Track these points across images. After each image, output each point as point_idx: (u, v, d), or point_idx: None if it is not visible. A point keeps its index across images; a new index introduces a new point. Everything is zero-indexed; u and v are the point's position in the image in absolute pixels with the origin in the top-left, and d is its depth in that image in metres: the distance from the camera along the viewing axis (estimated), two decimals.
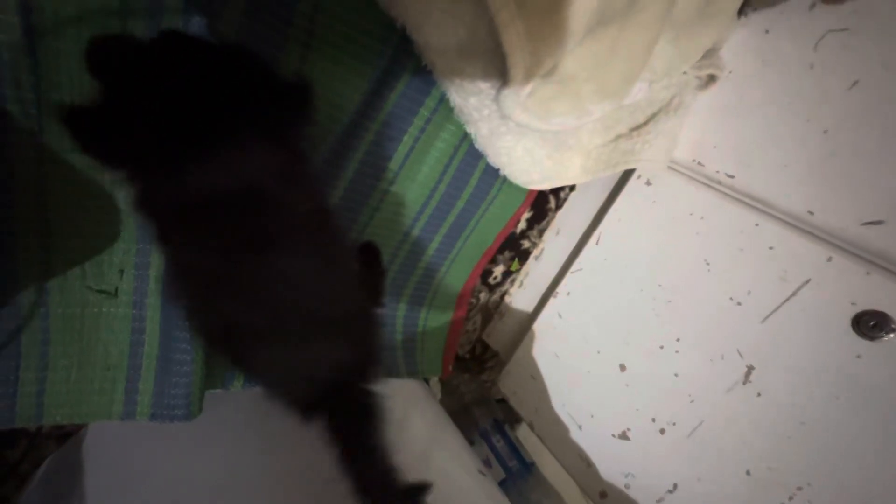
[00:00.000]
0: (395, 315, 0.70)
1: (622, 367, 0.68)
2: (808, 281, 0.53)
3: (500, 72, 0.43)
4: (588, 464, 0.71)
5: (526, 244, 0.86)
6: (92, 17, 0.34)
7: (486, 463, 0.81)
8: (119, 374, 0.43)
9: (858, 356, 0.50)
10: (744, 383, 0.57)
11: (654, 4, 0.44)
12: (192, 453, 0.46)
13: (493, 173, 0.64)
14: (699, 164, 0.64)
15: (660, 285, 0.66)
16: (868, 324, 0.49)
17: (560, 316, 0.77)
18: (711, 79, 0.61)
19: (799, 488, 0.53)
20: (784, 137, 0.57)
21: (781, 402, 0.54)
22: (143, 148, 0.31)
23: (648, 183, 0.68)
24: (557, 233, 0.85)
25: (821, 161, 0.54)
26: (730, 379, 0.58)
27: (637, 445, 0.66)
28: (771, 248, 0.56)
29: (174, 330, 0.43)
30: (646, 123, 0.63)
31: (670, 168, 0.66)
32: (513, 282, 0.90)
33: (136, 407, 0.44)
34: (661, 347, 0.64)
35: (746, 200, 0.59)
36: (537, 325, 0.80)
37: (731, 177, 0.61)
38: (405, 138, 0.54)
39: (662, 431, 0.64)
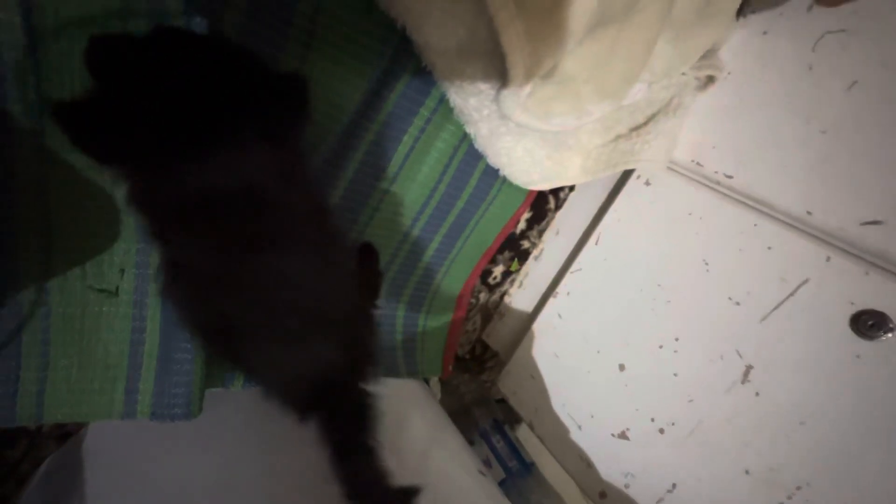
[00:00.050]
0: (395, 315, 0.70)
1: (622, 367, 0.69)
2: (806, 281, 0.54)
3: (499, 72, 0.43)
4: (588, 464, 0.71)
5: (526, 244, 0.86)
6: (93, 18, 0.34)
7: (486, 463, 0.81)
8: (119, 374, 0.43)
9: (857, 356, 0.50)
10: (742, 383, 0.57)
11: (653, 5, 0.44)
12: (193, 453, 0.46)
13: (492, 173, 0.64)
14: (698, 164, 0.64)
15: (659, 285, 0.66)
16: (866, 323, 0.49)
17: (560, 316, 0.78)
18: (710, 79, 0.61)
19: (798, 488, 0.53)
20: (783, 138, 0.57)
21: (780, 401, 0.54)
22: (136, 144, 0.30)
23: (648, 183, 0.69)
24: (557, 233, 0.85)
25: (819, 161, 0.54)
26: (729, 379, 0.58)
27: (636, 445, 0.66)
28: (770, 248, 0.56)
29: (174, 329, 0.43)
30: (645, 124, 0.64)
31: (669, 168, 0.67)
32: (512, 282, 0.90)
33: (137, 406, 0.44)
34: (661, 347, 0.64)
35: (745, 201, 0.59)
36: (537, 326, 0.80)
37: (730, 177, 0.61)
38: (405, 138, 0.55)
39: (662, 431, 0.64)
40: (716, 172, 0.62)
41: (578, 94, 0.49)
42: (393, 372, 0.70)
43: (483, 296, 0.88)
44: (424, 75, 0.49)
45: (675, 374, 0.63)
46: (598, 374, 0.71)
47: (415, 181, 0.60)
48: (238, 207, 0.33)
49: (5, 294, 0.38)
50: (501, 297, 0.91)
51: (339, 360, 0.39)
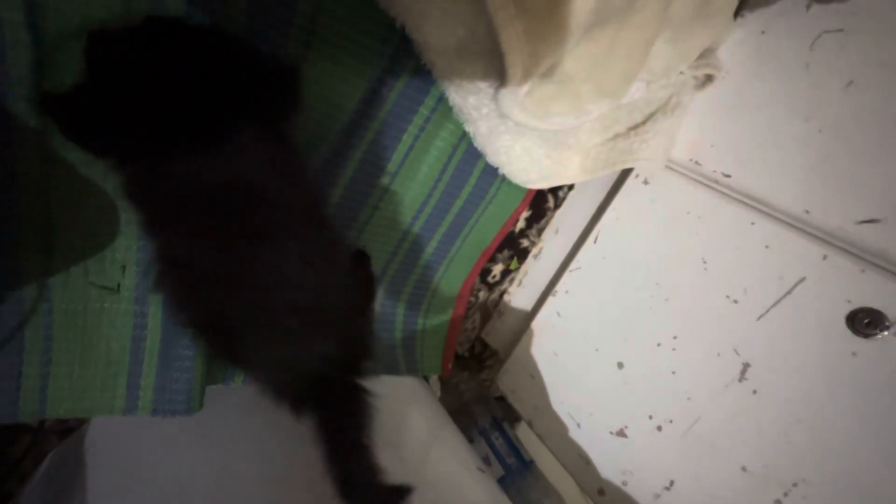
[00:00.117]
0: (395, 313, 0.70)
1: (620, 365, 0.69)
2: (803, 279, 0.54)
3: (498, 71, 0.44)
4: (586, 461, 0.71)
5: (525, 243, 0.87)
6: (94, 17, 0.34)
7: (486, 461, 0.81)
8: (121, 369, 0.44)
9: (853, 353, 0.50)
10: (740, 381, 0.57)
11: (651, 5, 0.45)
12: (193, 448, 0.46)
13: (491, 172, 0.64)
14: (696, 163, 0.64)
15: (657, 284, 0.66)
16: (863, 321, 0.50)
17: (559, 314, 0.78)
18: (709, 78, 0.62)
19: (794, 484, 0.53)
20: (781, 137, 0.57)
21: (777, 399, 0.55)
22: (124, 134, 0.30)
23: (646, 182, 0.69)
24: (556, 232, 0.86)
25: (817, 160, 0.55)
26: (726, 376, 0.59)
27: (635, 443, 0.67)
28: (767, 246, 0.57)
29: (175, 325, 0.43)
30: (644, 123, 0.64)
31: (668, 167, 0.67)
32: (512, 280, 0.90)
33: (138, 402, 0.44)
34: (659, 345, 0.65)
35: (743, 199, 0.60)
36: (536, 324, 0.80)
37: (728, 176, 0.61)
38: (405, 137, 0.55)
39: (659, 429, 0.64)
40: (714, 171, 0.63)
41: (577, 93, 0.49)
42: (393, 370, 0.70)
43: (482, 294, 0.88)
44: (424, 74, 0.49)
45: (674, 372, 0.63)
46: (597, 372, 0.71)
47: (414, 180, 0.60)
48: (230, 199, 0.33)
49: (7, 291, 0.39)
50: (501, 295, 0.92)
51: (334, 355, 0.38)
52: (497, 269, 0.87)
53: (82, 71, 0.31)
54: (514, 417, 0.89)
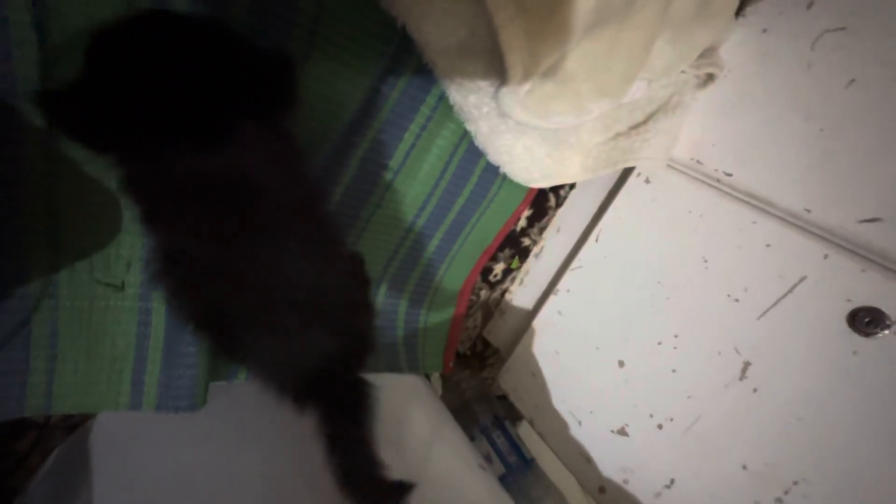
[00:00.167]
0: (397, 311, 0.71)
1: (621, 364, 0.69)
2: (804, 278, 0.54)
3: (499, 70, 0.44)
4: (587, 459, 0.71)
5: (526, 242, 0.87)
6: (98, 17, 0.34)
7: (487, 458, 0.82)
8: (126, 366, 0.44)
9: (854, 352, 0.50)
10: (740, 379, 0.58)
11: (651, 5, 0.45)
12: (197, 444, 0.47)
13: (493, 171, 0.65)
14: (698, 162, 0.64)
15: (658, 282, 0.66)
16: (863, 320, 0.50)
17: (560, 313, 0.78)
18: (710, 78, 0.62)
19: (795, 483, 0.53)
20: (782, 136, 0.57)
21: (778, 397, 0.55)
22: (120, 128, 0.30)
23: (648, 181, 0.69)
24: (558, 230, 0.86)
25: (818, 159, 0.55)
26: (727, 375, 0.59)
27: (635, 441, 0.67)
28: (768, 245, 0.57)
29: (179, 322, 0.44)
30: (645, 122, 0.64)
31: (669, 166, 0.67)
32: (513, 279, 0.90)
33: (143, 398, 0.45)
34: (660, 344, 0.65)
35: (744, 198, 0.60)
36: (537, 323, 0.81)
37: (730, 175, 0.61)
38: (406, 136, 0.55)
39: (660, 427, 0.64)
40: (715, 170, 0.63)
41: (578, 92, 0.49)
42: (394, 367, 0.70)
43: (484, 293, 0.88)
44: (425, 74, 0.49)
45: (674, 371, 0.63)
46: (598, 370, 0.71)
47: (416, 178, 0.61)
48: (228, 195, 0.33)
49: (13, 288, 0.39)
50: (502, 294, 0.92)
51: (335, 351, 0.38)
52: (499, 267, 0.87)
53: (80, 67, 0.31)
54: (516, 416, 0.89)
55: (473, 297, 0.86)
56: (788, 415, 0.54)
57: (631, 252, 0.70)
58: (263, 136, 0.34)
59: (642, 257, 0.68)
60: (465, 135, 0.58)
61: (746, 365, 0.57)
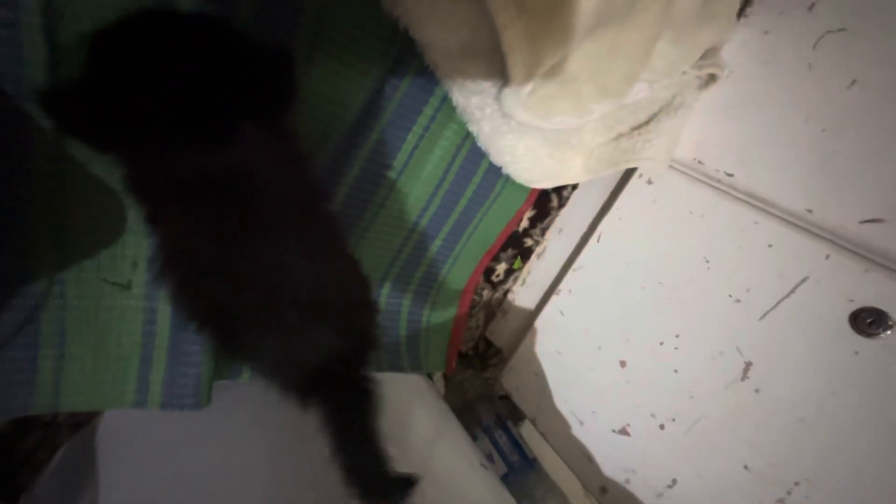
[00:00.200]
0: (400, 311, 0.71)
1: (623, 364, 0.69)
2: (806, 278, 0.54)
3: (501, 71, 0.44)
4: (589, 459, 0.72)
5: (529, 242, 0.87)
6: (106, 20, 0.35)
7: (489, 458, 0.82)
8: (131, 364, 0.45)
9: (856, 353, 0.50)
10: (742, 379, 0.58)
11: (652, 6, 0.45)
12: (202, 442, 0.47)
13: (495, 172, 0.65)
14: (700, 162, 0.65)
15: (660, 283, 0.66)
16: (865, 321, 0.50)
17: (562, 313, 0.78)
18: (712, 78, 0.62)
19: (796, 483, 0.53)
20: (784, 136, 0.57)
21: (780, 398, 0.55)
22: (121, 126, 0.30)
23: (650, 182, 0.69)
24: (560, 231, 0.86)
25: (820, 160, 0.55)
26: (729, 375, 0.59)
27: (637, 441, 0.67)
28: (770, 245, 0.57)
29: (183, 321, 0.44)
30: (647, 122, 0.64)
31: (671, 167, 0.67)
32: (515, 279, 0.91)
33: (148, 396, 0.45)
34: (661, 344, 0.65)
35: (746, 199, 0.60)
36: (539, 323, 0.81)
37: (731, 175, 0.61)
38: (409, 137, 0.56)
39: (662, 427, 0.64)
40: (717, 171, 0.63)
41: (580, 93, 0.50)
42: (397, 367, 0.71)
43: (486, 293, 0.88)
44: (428, 74, 0.49)
45: (676, 371, 0.64)
46: (600, 370, 0.72)
47: (419, 179, 0.61)
48: (228, 190, 0.33)
49: (21, 287, 0.40)
50: (504, 294, 0.92)
51: (337, 345, 0.38)
52: (501, 267, 0.87)
53: (82, 66, 0.31)
54: (518, 416, 0.89)
55: (476, 297, 0.86)
56: (790, 415, 0.54)
57: (633, 252, 0.70)
58: (264, 135, 0.34)
59: (644, 258, 0.69)
60: (468, 135, 0.59)
61: (748, 365, 0.57)
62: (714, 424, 0.60)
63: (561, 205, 0.85)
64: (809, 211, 0.55)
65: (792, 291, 0.55)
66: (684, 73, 0.60)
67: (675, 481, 0.63)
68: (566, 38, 0.39)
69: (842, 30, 0.54)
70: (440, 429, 0.67)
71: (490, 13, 0.37)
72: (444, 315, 0.77)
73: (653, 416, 0.65)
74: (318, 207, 0.40)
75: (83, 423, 0.56)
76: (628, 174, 0.72)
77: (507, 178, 0.67)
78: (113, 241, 0.42)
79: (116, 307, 0.43)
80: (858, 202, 0.52)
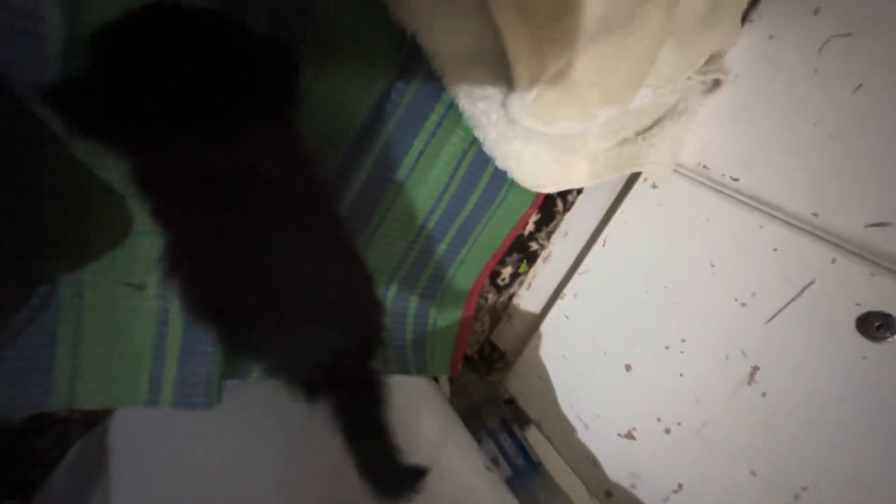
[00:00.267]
0: (406, 313, 0.72)
1: (628, 368, 0.69)
2: (812, 282, 0.54)
3: (507, 78, 0.45)
4: (594, 463, 0.72)
5: (534, 246, 0.88)
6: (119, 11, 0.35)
7: (494, 461, 0.82)
8: (145, 364, 0.46)
9: (863, 357, 0.50)
10: (749, 384, 0.57)
11: (655, 13, 0.46)
12: (212, 441, 0.48)
13: (501, 176, 0.66)
14: (704, 167, 0.65)
15: (665, 287, 0.66)
16: (873, 325, 0.49)
17: (567, 317, 0.79)
18: (716, 84, 0.62)
19: (804, 488, 0.53)
20: (789, 141, 0.58)
21: (786, 402, 0.55)
22: (126, 121, 0.31)
23: (654, 186, 0.69)
24: (565, 235, 0.86)
25: (825, 164, 0.55)
26: (735, 379, 0.59)
27: (643, 445, 0.67)
28: (775, 249, 0.57)
29: (191, 317, 0.45)
30: (651, 127, 0.65)
31: (676, 171, 0.67)
32: (521, 283, 0.91)
33: (160, 394, 0.46)
34: (667, 348, 0.65)
35: (751, 203, 0.60)
36: (545, 327, 0.81)
37: (736, 180, 0.62)
38: (416, 142, 0.57)
39: (668, 431, 0.64)
40: (722, 175, 0.63)
41: (584, 98, 0.50)
42: (403, 370, 0.71)
43: (492, 297, 0.89)
44: (434, 81, 0.50)
45: (682, 375, 0.64)
46: (605, 374, 0.72)
47: (425, 184, 0.62)
48: (232, 184, 0.33)
49: (40, 287, 0.41)
50: (510, 298, 0.92)
51: (343, 341, 0.38)
52: (506, 271, 0.88)
53: (87, 62, 0.32)
54: (524, 420, 0.90)
55: (482, 301, 0.87)
56: (797, 420, 0.54)
57: (638, 256, 0.70)
58: (268, 131, 0.34)
59: (649, 262, 0.69)
60: (474, 141, 0.60)
61: (755, 369, 0.57)
62: (720, 429, 0.60)
63: (566, 209, 0.86)
64: (815, 215, 0.55)
65: (798, 295, 0.55)
66: (689, 78, 0.60)
67: (680, 486, 0.62)
68: (570, 44, 0.40)
69: (847, 34, 0.54)
70: (445, 431, 0.67)
71: (495, 21, 0.37)
72: (449, 318, 0.77)
73: (658, 420, 0.65)
74: (323, 202, 0.40)
75: (96, 421, 0.57)
76: (633, 178, 0.73)
77: (512, 183, 0.67)
78: (128, 242, 0.43)
79: (131, 308, 0.44)
80: (864, 206, 0.52)
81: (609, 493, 0.69)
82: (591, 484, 0.72)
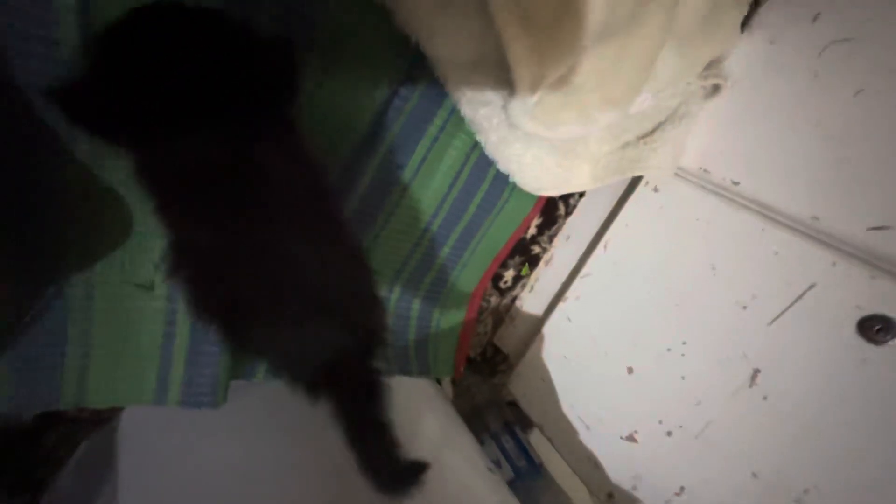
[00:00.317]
0: (409, 315, 0.72)
1: (630, 370, 0.69)
2: (813, 285, 0.54)
3: (508, 83, 0.46)
4: (596, 465, 0.72)
5: (536, 249, 0.88)
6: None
7: (496, 463, 0.82)
8: (152, 363, 0.47)
9: (864, 360, 0.50)
10: (750, 386, 0.58)
11: (655, 18, 0.47)
12: (218, 440, 0.49)
13: (503, 180, 0.66)
14: (705, 171, 0.65)
15: (667, 289, 0.67)
16: (873, 328, 0.50)
17: (569, 319, 0.79)
18: (717, 88, 0.63)
19: (805, 491, 0.53)
20: (790, 145, 0.58)
21: (787, 405, 0.55)
22: (129, 118, 0.31)
23: (656, 189, 0.70)
24: (567, 238, 0.87)
25: (826, 167, 0.55)
26: (736, 382, 0.59)
27: (644, 447, 0.67)
28: (776, 252, 0.57)
29: (192, 315, 0.45)
30: (653, 131, 0.65)
31: (677, 175, 0.68)
32: (523, 286, 0.92)
33: (167, 394, 0.47)
34: (668, 350, 0.65)
35: (752, 206, 0.60)
36: (547, 329, 0.81)
37: (737, 183, 0.62)
38: (419, 147, 0.57)
39: (669, 434, 0.64)
40: (723, 179, 0.63)
41: (585, 103, 0.51)
42: (406, 371, 0.72)
43: (494, 299, 0.89)
44: (437, 86, 0.51)
45: (683, 378, 0.64)
46: (607, 376, 0.72)
47: (428, 187, 0.63)
48: (234, 181, 0.33)
49: (48, 287, 0.42)
50: (512, 300, 0.93)
51: (344, 338, 0.39)
52: (509, 274, 0.88)
53: (88, 61, 0.32)
54: (527, 422, 0.90)
55: (484, 304, 0.87)
56: (798, 422, 0.54)
57: (639, 259, 0.71)
58: (270, 127, 0.35)
59: (651, 265, 0.69)
60: (476, 145, 0.60)
61: (756, 372, 0.58)
62: (722, 431, 0.60)
63: (568, 212, 0.86)
64: (816, 218, 0.55)
65: (799, 298, 0.55)
66: (689, 83, 0.61)
67: (682, 489, 0.63)
68: (570, 51, 0.41)
69: (847, 39, 0.54)
70: (447, 432, 0.68)
71: (497, 28, 0.38)
72: (452, 320, 0.78)
73: (660, 422, 0.65)
74: (324, 201, 0.40)
75: (105, 420, 0.58)
76: (635, 182, 0.73)
77: (514, 186, 0.68)
78: (136, 243, 0.44)
79: (139, 308, 0.45)
80: (865, 209, 0.52)
81: (611, 496, 0.70)
82: (593, 486, 0.72)
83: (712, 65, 0.61)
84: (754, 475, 0.57)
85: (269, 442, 0.49)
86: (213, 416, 0.49)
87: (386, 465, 0.39)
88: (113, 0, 0.33)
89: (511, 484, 0.77)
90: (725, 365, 0.60)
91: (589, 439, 0.73)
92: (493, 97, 0.49)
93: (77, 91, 0.32)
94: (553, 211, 0.85)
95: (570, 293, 0.79)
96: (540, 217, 0.83)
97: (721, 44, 0.58)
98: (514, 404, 0.90)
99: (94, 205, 0.41)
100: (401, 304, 0.71)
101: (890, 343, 0.49)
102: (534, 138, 0.57)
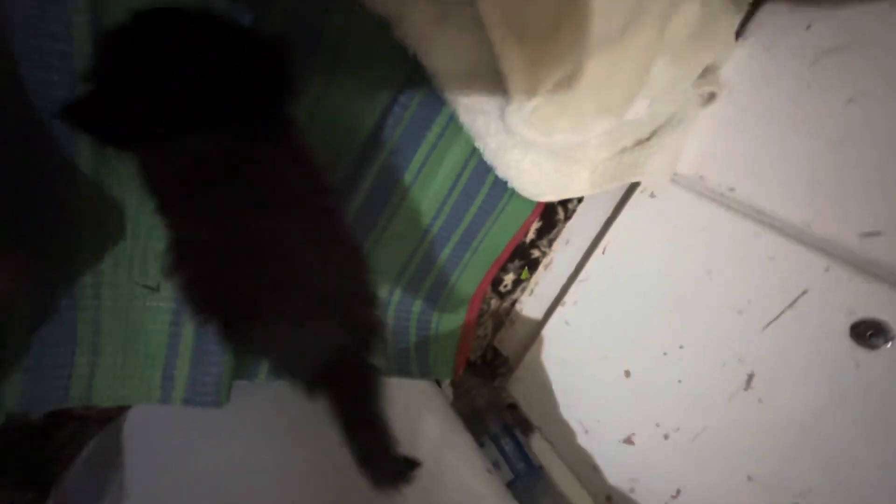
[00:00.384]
0: (409, 318, 0.74)
1: (627, 374, 0.70)
2: (806, 290, 0.55)
3: (504, 91, 0.47)
4: (594, 468, 0.72)
5: (536, 253, 0.89)
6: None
7: (495, 465, 0.83)
8: (158, 362, 0.48)
9: (857, 364, 0.51)
10: (745, 390, 0.58)
11: (649, 27, 0.48)
12: (221, 438, 0.50)
13: (501, 185, 0.67)
14: (701, 177, 0.66)
15: (664, 294, 0.67)
16: (866, 333, 0.50)
17: (568, 323, 0.80)
18: (712, 95, 0.64)
19: (801, 494, 0.53)
20: (784, 151, 0.59)
21: (782, 408, 0.55)
22: (135, 121, 0.32)
23: (652, 195, 0.71)
24: (566, 243, 0.88)
25: (819, 174, 0.56)
26: (732, 385, 0.59)
27: (642, 450, 0.68)
28: (771, 258, 0.58)
29: (189, 312, 0.46)
30: (649, 138, 0.66)
31: (673, 181, 0.69)
32: (523, 290, 0.93)
33: (172, 392, 0.49)
34: (665, 354, 0.66)
35: (747, 212, 0.61)
36: (546, 332, 0.82)
37: (732, 189, 0.63)
38: (418, 154, 0.59)
39: (666, 437, 0.65)
40: (718, 185, 0.64)
41: (580, 111, 0.52)
42: (406, 373, 0.73)
43: (494, 302, 0.90)
44: (436, 95, 0.53)
45: (680, 381, 0.64)
46: (605, 380, 0.73)
47: (428, 192, 0.64)
48: (234, 179, 0.34)
49: (64, 287, 0.43)
50: (512, 304, 0.94)
51: (342, 335, 0.39)
52: (508, 278, 0.89)
53: (90, 74, 0.33)
54: (527, 425, 0.91)
55: (484, 307, 0.88)
56: (793, 426, 0.54)
57: (637, 264, 0.71)
58: (269, 127, 0.35)
59: (648, 269, 0.70)
60: (475, 151, 0.62)
61: (751, 376, 0.58)
62: (718, 434, 0.60)
63: (567, 217, 0.87)
64: (809, 224, 0.56)
65: (793, 303, 0.56)
66: (685, 90, 0.62)
67: (679, 491, 0.63)
68: (563, 61, 0.42)
69: (839, 48, 0.55)
70: (447, 434, 0.69)
71: (491, 41, 0.40)
72: (452, 322, 0.79)
73: (657, 425, 0.66)
74: (322, 197, 0.40)
75: (112, 418, 0.59)
76: (632, 188, 0.74)
77: (513, 191, 0.69)
78: (144, 245, 0.46)
79: (146, 309, 0.47)
80: (858, 215, 0.53)
81: (609, 498, 0.70)
82: (592, 488, 0.73)
83: (708, 72, 0.62)
84: (750, 478, 0.57)
85: (271, 441, 0.50)
86: (216, 416, 0.50)
87: (382, 459, 0.39)
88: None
89: (510, 485, 0.78)
90: (721, 369, 0.60)
91: (587, 442, 0.74)
92: (490, 106, 0.50)
93: (84, 104, 0.33)
94: (552, 215, 0.86)
95: (569, 297, 0.80)
96: (539, 221, 0.85)
97: (715, 51, 0.59)
98: (513, 407, 0.90)
99: (98, 205, 0.42)
100: (401, 307, 0.72)
101: (883, 347, 0.49)
102: (532, 145, 0.58)
